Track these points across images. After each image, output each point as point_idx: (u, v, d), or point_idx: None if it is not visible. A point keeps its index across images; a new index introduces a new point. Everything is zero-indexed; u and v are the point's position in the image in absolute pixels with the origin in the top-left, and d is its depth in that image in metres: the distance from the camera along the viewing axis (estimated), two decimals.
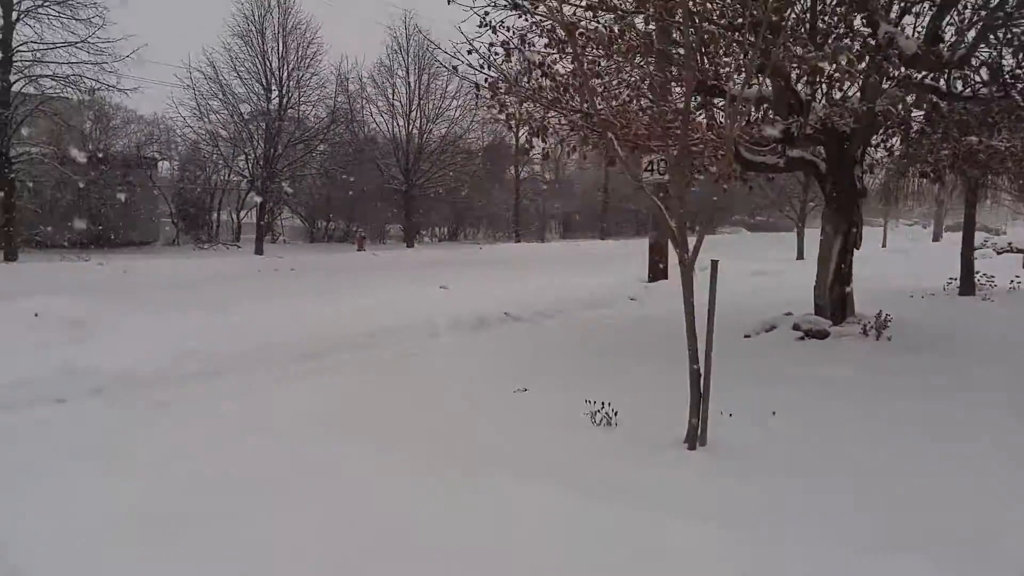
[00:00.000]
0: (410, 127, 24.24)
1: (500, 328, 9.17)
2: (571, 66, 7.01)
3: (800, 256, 23.06)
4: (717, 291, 4.25)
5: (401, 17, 24.53)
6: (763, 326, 7.23)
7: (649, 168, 13.89)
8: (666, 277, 13.93)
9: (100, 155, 19.46)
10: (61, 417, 4.96)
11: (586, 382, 5.37)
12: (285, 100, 19.96)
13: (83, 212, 19.07)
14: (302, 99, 20.51)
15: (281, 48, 19.61)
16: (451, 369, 6.54)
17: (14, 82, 15.29)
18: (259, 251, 20.18)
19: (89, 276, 15.26)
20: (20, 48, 15.26)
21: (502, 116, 6.87)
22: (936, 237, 39.69)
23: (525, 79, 6.96)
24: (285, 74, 19.73)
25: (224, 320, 8.26)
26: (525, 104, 6.99)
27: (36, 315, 6.90)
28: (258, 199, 20.48)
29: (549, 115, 7.02)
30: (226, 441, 4.28)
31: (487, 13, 7.16)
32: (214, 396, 5.50)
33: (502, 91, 6.70)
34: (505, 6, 7.17)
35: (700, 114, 7.67)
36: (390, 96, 24.05)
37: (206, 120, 20.55)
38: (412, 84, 24.03)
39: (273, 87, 19.74)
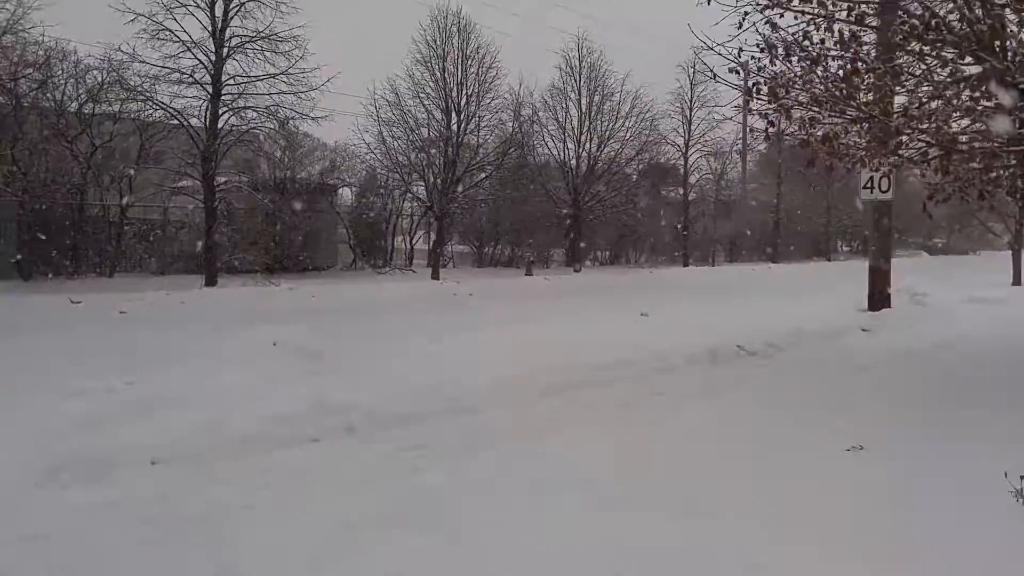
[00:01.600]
0: (579, 149, 23.75)
1: (737, 362, 8.15)
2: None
3: (1017, 282, 20.30)
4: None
5: (574, 40, 24.15)
6: None
7: (869, 185, 12.54)
8: (889, 305, 12.32)
9: (288, 183, 20.29)
10: (326, 459, 4.53)
11: (939, 437, 4.28)
12: (463, 125, 20.01)
13: (270, 238, 19.92)
14: (482, 124, 20.54)
15: (460, 73, 19.72)
16: (729, 414, 5.63)
17: (221, 114, 16.11)
18: (435, 276, 20.20)
19: (284, 300, 15.74)
20: (228, 83, 16.08)
21: (789, 123, 5.90)
22: None
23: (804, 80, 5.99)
24: (463, 99, 19.78)
25: (444, 350, 7.79)
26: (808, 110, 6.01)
27: (275, 344, 6.68)
28: (434, 224, 20.60)
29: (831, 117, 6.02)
30: (523, 503, 3.61)
31: (746, 14, 6.35)
32: (471, 438, 4.93)
33: (783, 93, 5.76)
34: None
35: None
36: (561, 119, 23.72)
37: (385, 146, 21.02)
38: (584, 105, 23.60)
39: (452, 113, 19.84)
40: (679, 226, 28.17)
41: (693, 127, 27.60)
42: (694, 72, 27.92)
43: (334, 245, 23.49)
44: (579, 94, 23.62)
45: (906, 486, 3.81)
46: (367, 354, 7.14)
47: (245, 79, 16.18)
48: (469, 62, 19.89)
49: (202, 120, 16.11)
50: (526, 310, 13.13)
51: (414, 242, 24.79)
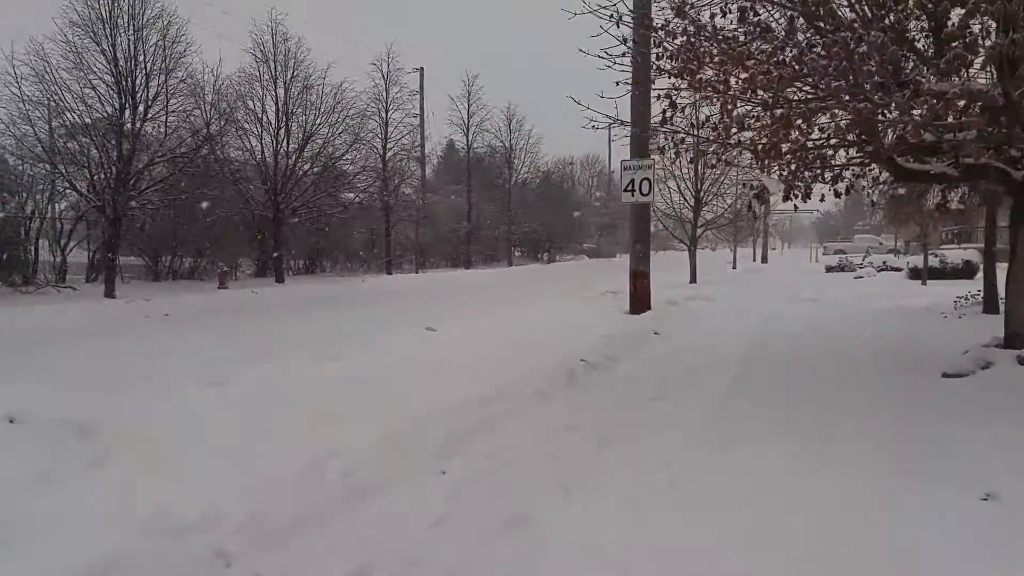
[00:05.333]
0: (277, 146, 21.12)
1: (590, 378, 7.30)
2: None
3: (694, 279, 22.62)
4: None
5: (267, 25, 21.29)
6: (973, 362, 6.08)
7: (630, 188, 12.78)
8: (650, 307, 12.69)
9: None
10: None
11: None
12: (145, 108, 16.18)
13: None
14: (170, 109, 16.80)
15: (133, 46, 15.85)
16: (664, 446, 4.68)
17: None
18: (110, 293, 16.18)
19: None
20: None
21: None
22: None
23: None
24: (141, 76, 15.99)
25: (232, 398, 5.58)
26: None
27: (11, 422, 3.96)
28: (102, 229, 16.40)
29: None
30: None
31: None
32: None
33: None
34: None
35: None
36: (258, 111, 20.82)
37: (31, 130, 16.13)
38: (281, 97, 21.01)
39: (126, 94, 15.91)
40: (383, 232, 26.96)
41: (390, 129, 26.64)
42: (389, 72, 27.07)
43: None
44: (275, 84, 21.00)
45: None
46: (149, 421, 4.71)
47: None
48: (147, 31, 16.14)
49: None
50: (286, 333, 10.80)
51: (67, 253, 19.77)
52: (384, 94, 26.61)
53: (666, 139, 8.48)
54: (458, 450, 4.80)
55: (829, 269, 30.82)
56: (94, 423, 4.09)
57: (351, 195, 24.57)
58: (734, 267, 36.65)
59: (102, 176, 16.24)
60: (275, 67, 20.91)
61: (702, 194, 23.16)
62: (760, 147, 7.23)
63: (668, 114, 6.56)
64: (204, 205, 19.35)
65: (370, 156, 25.22)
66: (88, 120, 16.29)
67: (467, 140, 33.78)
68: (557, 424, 5.53)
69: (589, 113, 7.24)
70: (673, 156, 8.20)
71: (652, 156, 12.34)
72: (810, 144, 7.78)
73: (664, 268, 24.27)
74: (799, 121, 6.32)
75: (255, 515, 3.35)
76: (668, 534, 3.37)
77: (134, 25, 16.30)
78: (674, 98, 6.51)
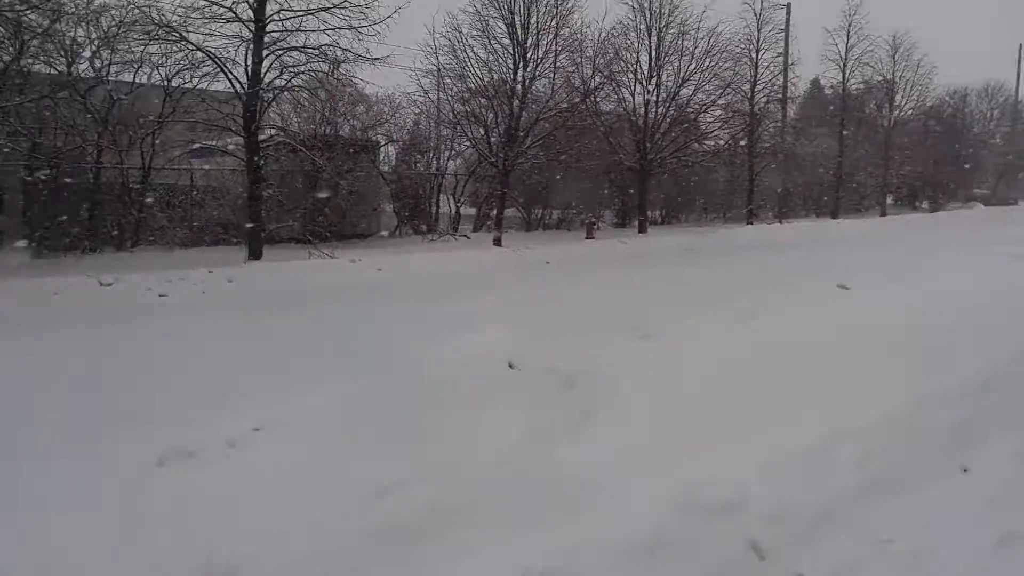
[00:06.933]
0: (648, 96, 21.07)
1: None
2: None
3: None
4: None
5: None
6: None
7: None
8: None
9: (329, 139, 17.72)
10: None
11: None
12: (535, 67, 17.29)
13: (312, 202, 17.38)
14: (557, 66, 17.78)
15: (523, 9, 16.88)
16: None
17: (266, 56, 13.45)
18: (498, 241, 17.86)
19: (351, 274, 13.42)
20: (273, 18, 13.38)
21: None
22: None
23: None
24: (534, 35, 17.00)
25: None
26: None
27: (511, 367, 4.38)
28: (495, 183, 18.07)
29: None
30: None
31: None
32: None
33: None
34: None
35: None
36: (631, 62, 20.98)
37: (441, 95, 18.33)
38: (654, 46, 20.84)
39: (517, 56, 17.09)
40: (747, 180, 25.71)
41: (760, 71, 24.96)
42: (761, 10, 25.30)
43: (376, 209, 20.93)
44: (648, 34, 20.84)
45: None
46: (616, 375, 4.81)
47: (292, 14, 13.46)
48: None
49: (243, 64, 13.44)
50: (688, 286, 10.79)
51: (460, 206, 22.25)
52: (756, 34, 24.98)
53: None
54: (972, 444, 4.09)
55: None
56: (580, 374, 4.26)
57: (719, 142, 23.72)
58: None
59: (498, 133, 17.77)
60: (649, 16, 20.74)
61: None
62: None
63: None
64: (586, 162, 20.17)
65: (738, 100, 23.93)
66: (486, 82, 17.87)
67: (843, 76, 30.36)
68: None
69: None
70: None
71: None
72: None
73: None
74: None
75: (782, 501, 3.12)
76: None
77: None
78: None
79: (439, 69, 18.08)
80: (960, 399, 4.56)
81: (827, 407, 4.06)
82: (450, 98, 18.77)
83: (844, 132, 29.92)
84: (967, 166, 38.99)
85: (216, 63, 13.37)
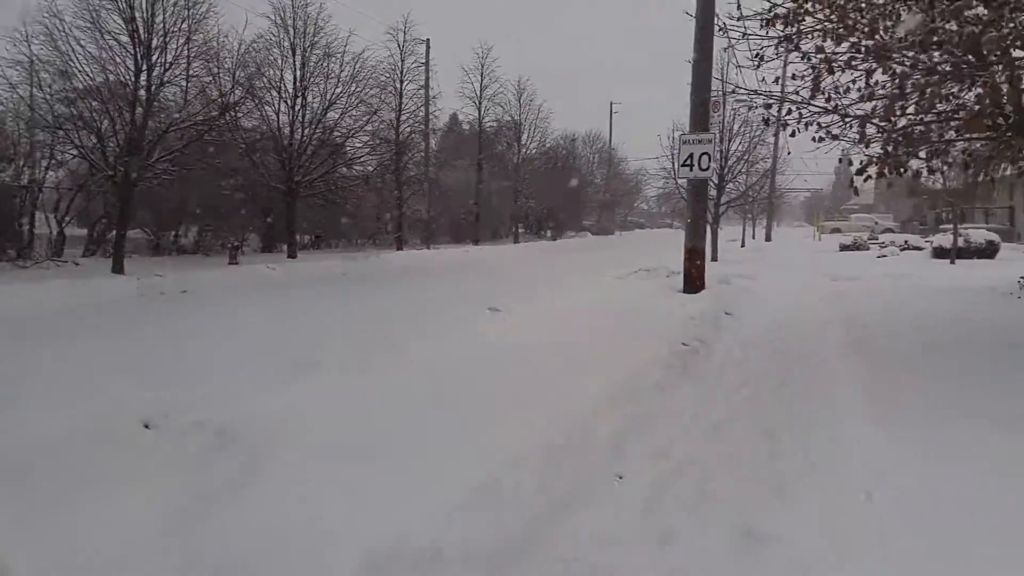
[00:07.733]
0: (294, 117, 20.14)
1: (696, 364, 6.67)
2: None
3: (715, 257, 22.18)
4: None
5: None
6: None
7: (688, 163, 12.10)
8: (704, 287, 12.08)
9: None
10: None
11: None
12: (164, 71, 15.13)
13: None
14: (190, 74, 15.73)
15: (146, 5, 14.74)
16: None
17: None
18: (118, 269, 15.25)
19: None
20: None
21: None
22: None
23: None
24: (160, 35, 14.91)
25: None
26: None
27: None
28: (110, 199, 15.43)
29: None
30: None
31: None
32: None
33: None
34: None
35: None
36: (276, 80, 19.78)
37: (41, 91, 15.12)
38: (298, 65, 19.97)
39: (140, 57, 14.86)
40: (395, 207, 26.09)
41: (404, 100, 25.65)
42: (404, 41, 26.05)
43: None
44: (293, 52, 19.92)
45: None
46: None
47: None
48: None
49: None
50: (342, 313, 10.05)
51: (64, 226, 18.75)
52: (400, 64, 25.64)
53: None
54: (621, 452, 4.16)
55: (844, 247, 30.34)
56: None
57: (367, 168, 23.66)
58: (742, 245, 36.15)
59: (114, 142, 15.27)
60: (293, 34, 19.87)
61: (726, 171, 22.56)
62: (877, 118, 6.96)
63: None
64: (226, 181, 18.38)
65: (383, 129, 24.21)
66: (99, 83, 15.27)
67: (479, 113, 32.84)
68: (706, 417, 4.91)
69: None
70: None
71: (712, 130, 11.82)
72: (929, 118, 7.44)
73: (676, 246, 23.83)
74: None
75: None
76: None
77: None
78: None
79: (32, 60, 14.99)
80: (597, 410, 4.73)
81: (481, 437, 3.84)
82: (48, 97, 15.66)
83: (482, 166, 32.29)
84: (578, 202, 45.15)
85: None
